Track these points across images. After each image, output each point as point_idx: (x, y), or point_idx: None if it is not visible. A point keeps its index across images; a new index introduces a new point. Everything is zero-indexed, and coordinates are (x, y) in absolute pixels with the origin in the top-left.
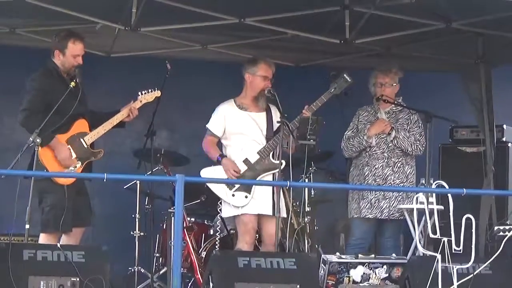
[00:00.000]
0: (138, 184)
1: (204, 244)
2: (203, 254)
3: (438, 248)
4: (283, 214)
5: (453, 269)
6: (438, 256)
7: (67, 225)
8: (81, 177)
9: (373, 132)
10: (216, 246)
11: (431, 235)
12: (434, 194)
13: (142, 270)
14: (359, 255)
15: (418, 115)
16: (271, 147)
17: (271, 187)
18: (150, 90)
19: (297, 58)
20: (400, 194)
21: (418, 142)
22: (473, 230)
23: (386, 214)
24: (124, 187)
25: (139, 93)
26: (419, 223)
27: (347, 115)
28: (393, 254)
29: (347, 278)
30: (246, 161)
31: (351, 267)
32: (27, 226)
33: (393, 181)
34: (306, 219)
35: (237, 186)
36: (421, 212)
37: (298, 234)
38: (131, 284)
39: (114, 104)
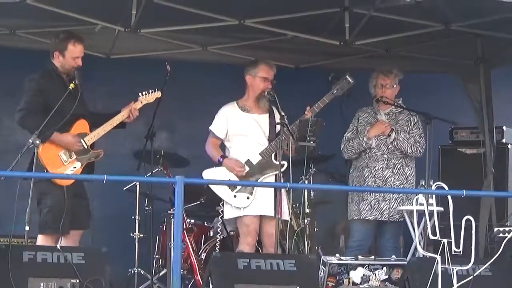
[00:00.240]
0: (138, 186)
1: (204, 246)
2: (203, 255)
3: (438, 250)
4: (287, 217)
5: (453, 270)
6: (438, 258)
7: (65, 227)
8: (81, 179)
9: (373, 133)
10: (216, 248)
11: (431, 237)
12: (434, 196)
13: (142, 272)
14: (359, 257)
15: (418, 117)
16: (273, 149)
17: (273, 188)
18: (151, 91)
19: (297, 59)
20: (400, 195)
21: (418, 143)
22: (473, 232)
23: (386, 216)
24: (124, 188)
25: (140, 94)
26: (419, 225)
27: (347, 117)
28: (393, 256)
29: (347, 280)
30: (248, 162)
31: (351, 268)
32: (27, 228)
33: (393, 182)
34: (306, 221)
35: (238, 187)
36: (421, 214)
37: (298, 235)
38: (131, 286)
39: (114, 106)
